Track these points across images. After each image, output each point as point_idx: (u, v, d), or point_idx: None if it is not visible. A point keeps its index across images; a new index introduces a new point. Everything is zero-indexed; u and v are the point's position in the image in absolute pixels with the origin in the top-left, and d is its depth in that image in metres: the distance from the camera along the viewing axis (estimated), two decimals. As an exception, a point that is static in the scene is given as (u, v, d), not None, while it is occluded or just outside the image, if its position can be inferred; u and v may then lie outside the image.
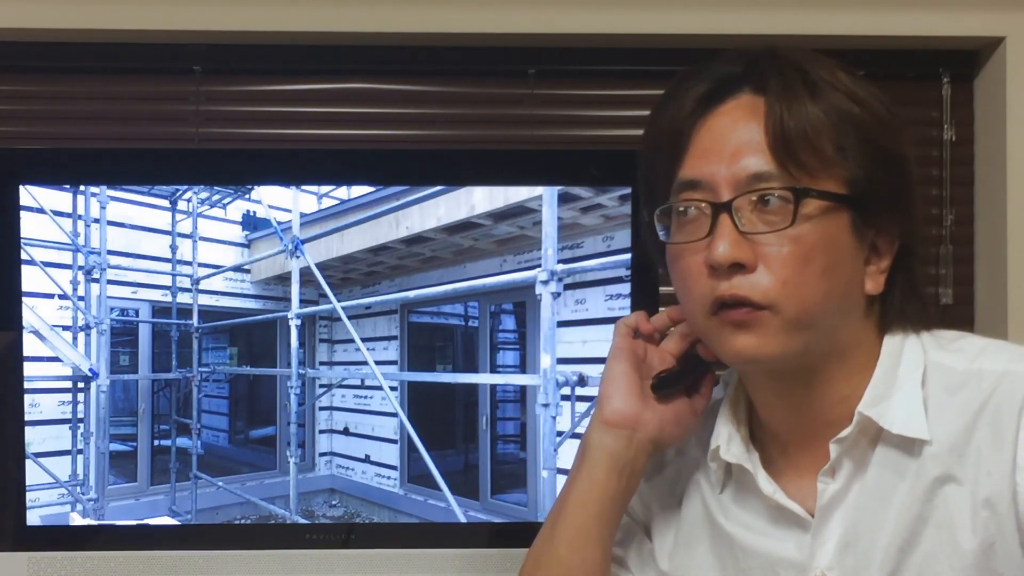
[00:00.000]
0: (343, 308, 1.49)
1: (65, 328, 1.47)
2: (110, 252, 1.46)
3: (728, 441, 0.93)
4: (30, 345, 1.44)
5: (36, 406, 1.45)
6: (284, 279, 1.51)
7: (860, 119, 0.83)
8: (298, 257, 1.50)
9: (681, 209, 0.86)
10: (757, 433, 0.94)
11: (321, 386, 1.51)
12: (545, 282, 1.44)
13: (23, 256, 1.43)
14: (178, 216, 1.48)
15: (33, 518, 1.44)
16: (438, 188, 1.45)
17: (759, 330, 0.83)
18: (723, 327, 0.84)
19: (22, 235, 1.42)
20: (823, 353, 0.86)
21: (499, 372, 1.49)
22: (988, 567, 0.81)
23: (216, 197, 1.49)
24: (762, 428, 0.93)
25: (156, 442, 1.51)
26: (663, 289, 1.43)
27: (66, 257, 1.46)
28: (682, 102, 0.87)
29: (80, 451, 1.47)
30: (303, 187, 1.49)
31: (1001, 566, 0.81)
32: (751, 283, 0.82)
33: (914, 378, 0.86)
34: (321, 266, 1.49)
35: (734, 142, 0.84)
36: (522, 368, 1.48)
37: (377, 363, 1.49)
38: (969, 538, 0.82)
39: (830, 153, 0.82)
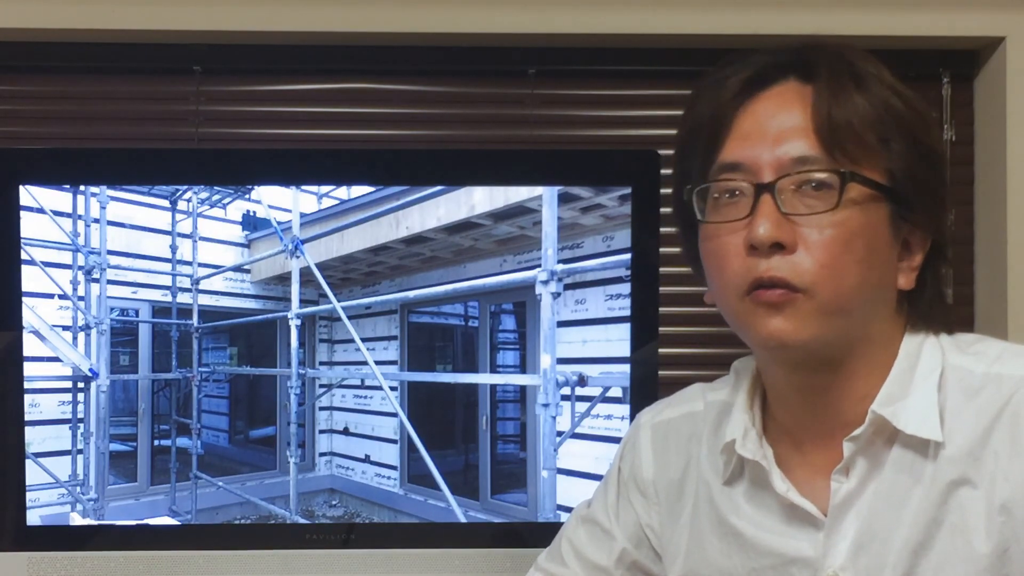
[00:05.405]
0: (343, 308, 1.48)
1: (65, 328, 1.47)
2: (110, 252, 1.46)
3: (744, 435, 0.92)
4: (30, 345, 1.44)
5: (36, 406, 1.45)
6: (284, 279, 1.51)
7: (902, 113, 0.85)
8: (298, 257, 1.50)
9: (720, 192, 0.86)
10: (770, 428, 0.93)
11: (321, 386, 1.51)
12: (545, 282, 1.44)
13: (23, 256, 1.43)
14: (178, 216, 1.48)
15: (33, 518, 1.44)
16: (438, 188, 1.45)
17: (792, 314, 0.82)
18: (756, 308, 0.83)
19: (22, 235, 1.42)
20: (851, 345, 0.86)
21: (499, 372, 1.49)
22: (1002, 572, 0.81)
23: (216, 197, 1.49)
24: (776, 424, 0.93)
25: (156, 442, 1.51)
26: (663, 289, 1.43)
27: (66, 257, 1.46)
28: (724, 87, 0.87)
29: (80, 451, 1.47)
30: (303, 187, 1.49)
31: (1015, 571, 0.81)
32: (791, 265, 0.82)
33: (931, 380, 0.86)
34: (321, 266, 1.49)
35: (777, 126, 0.84)
36: (522, 368, 1.47)
37: (377, 363, 1.49)
38: (984, 542, 0.81)
39: (873, 143, 0.83)
